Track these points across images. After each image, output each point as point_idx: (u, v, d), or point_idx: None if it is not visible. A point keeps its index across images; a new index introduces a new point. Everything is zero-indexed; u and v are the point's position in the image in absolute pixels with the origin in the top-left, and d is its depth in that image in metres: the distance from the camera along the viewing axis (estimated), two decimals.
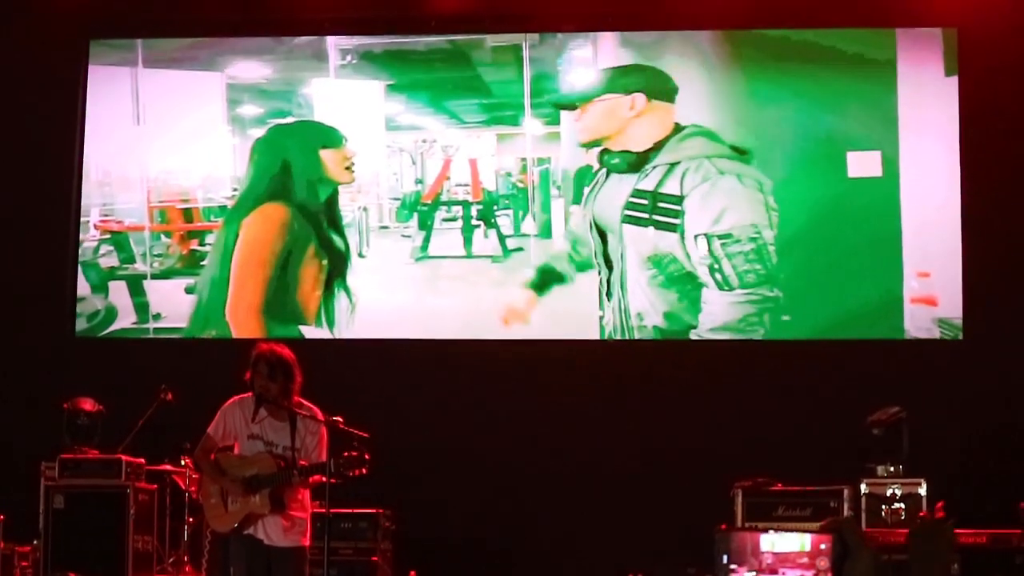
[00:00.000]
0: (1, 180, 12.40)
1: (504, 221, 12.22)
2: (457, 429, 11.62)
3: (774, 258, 11.35)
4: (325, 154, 12.24)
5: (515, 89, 12.11)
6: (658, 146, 11.60)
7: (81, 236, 12.49)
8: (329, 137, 12.25)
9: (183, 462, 10.94)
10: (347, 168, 12.21)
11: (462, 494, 11.47)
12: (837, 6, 11.72)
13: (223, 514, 8.17)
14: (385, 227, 12.35)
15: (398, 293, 12.20)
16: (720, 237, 11.23)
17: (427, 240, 12.29)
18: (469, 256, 12.23)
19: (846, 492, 9.97)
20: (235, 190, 12.40)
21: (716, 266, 11.08)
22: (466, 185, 12.33)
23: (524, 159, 12.19)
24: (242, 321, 12.13)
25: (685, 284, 11.47)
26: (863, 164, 11.53)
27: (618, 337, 11.68)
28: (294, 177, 12.20)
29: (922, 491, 9.92)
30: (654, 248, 11.46)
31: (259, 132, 12.40)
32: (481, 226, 12.25)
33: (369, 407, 10.21)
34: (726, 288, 11.30)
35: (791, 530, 7.91)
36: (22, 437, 11.53)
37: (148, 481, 10.91)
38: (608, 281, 11.70)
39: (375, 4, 12.19)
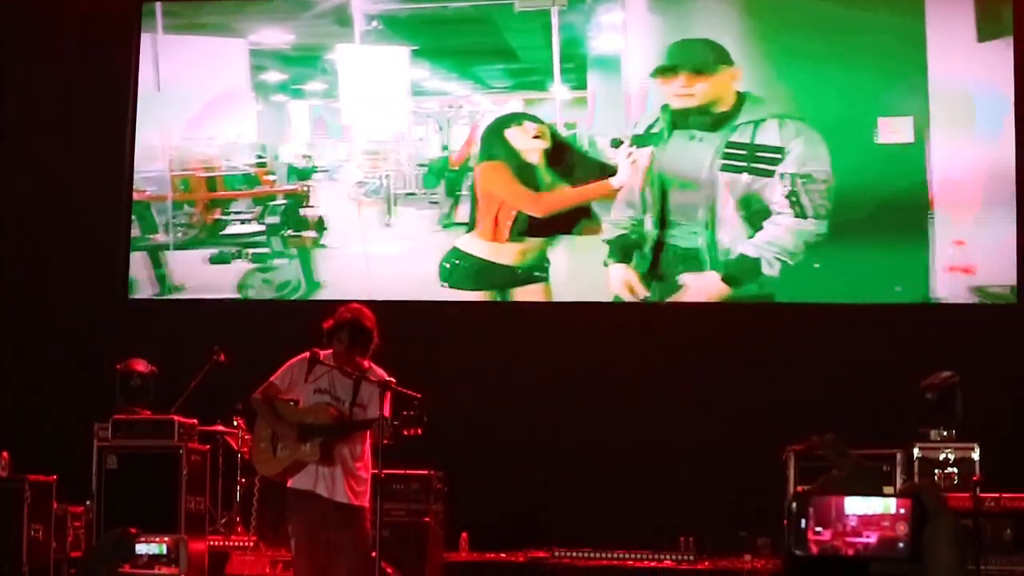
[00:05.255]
0: (58, 150, 12.50)
1: None
2: (511, 392, 11.64)
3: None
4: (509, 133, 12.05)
5: (542, 55, 11.99)
6: (736, 108, 11.66)
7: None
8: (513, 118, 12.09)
9: (235, 423, 11.03)
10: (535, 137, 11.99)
11: (515, 457, 11.46)
12: None
13: (270, 459, 8.30)
14: (412, 194, 12.30)
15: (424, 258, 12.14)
16: (802, 177, 11.56)
17: (453, 207, 12.23)
18: None
19: (899, 456, 9.94)
20: (260, 157, 12.33)
21: (795, 199, 11.56)
22: None
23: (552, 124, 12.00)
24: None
25: (763, 216, 11.61)
26: (894, 129, 11.48)
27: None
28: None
29: (975, 456, 9.88)
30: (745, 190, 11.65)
31: (282, 98, 12.34)
32: None
33: (423, 368, 10.27)
34: (801, 216, 11.54)
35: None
36: (75, 399, 11.62)
37: (200, 442, 10.89)
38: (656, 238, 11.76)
39: None
